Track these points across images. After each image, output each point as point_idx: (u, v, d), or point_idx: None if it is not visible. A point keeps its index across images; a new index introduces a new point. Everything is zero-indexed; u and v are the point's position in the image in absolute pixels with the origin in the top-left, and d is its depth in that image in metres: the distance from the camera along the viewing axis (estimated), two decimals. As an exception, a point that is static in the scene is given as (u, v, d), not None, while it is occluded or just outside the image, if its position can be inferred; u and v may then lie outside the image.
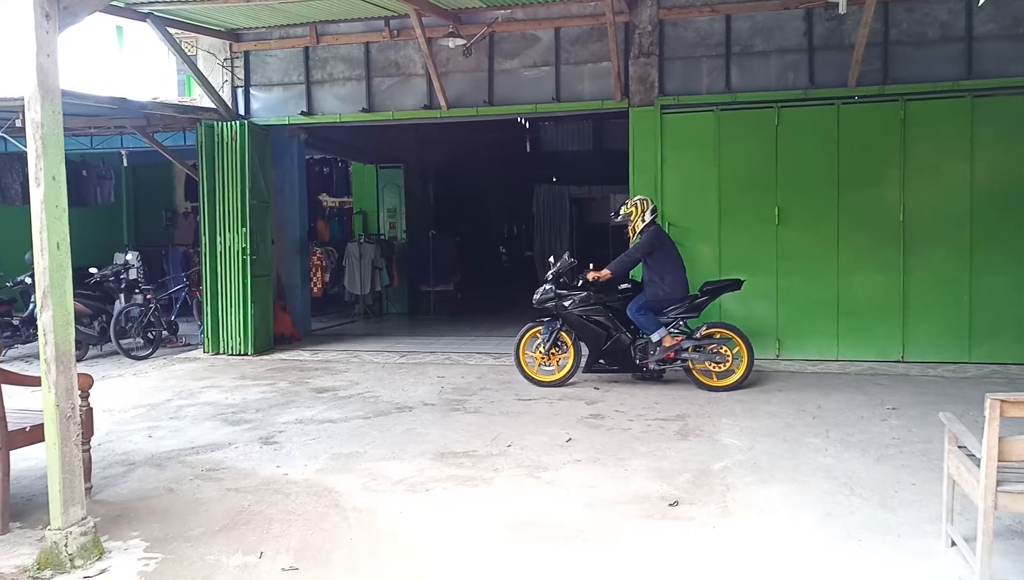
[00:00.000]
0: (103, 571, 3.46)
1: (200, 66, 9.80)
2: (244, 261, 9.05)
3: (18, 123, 7.87)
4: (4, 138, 8.15)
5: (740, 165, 8.39)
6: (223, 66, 9.95)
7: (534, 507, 4.20)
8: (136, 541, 3.78)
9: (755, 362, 6.90)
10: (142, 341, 9.15)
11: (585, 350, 7.17)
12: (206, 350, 9.23)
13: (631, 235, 7.09)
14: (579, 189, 17.78)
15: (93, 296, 9.35)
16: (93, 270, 9.68)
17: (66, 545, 3.47)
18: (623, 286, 7.07)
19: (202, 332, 9.44)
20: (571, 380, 7.17)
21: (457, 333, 10.84)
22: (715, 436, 5.47)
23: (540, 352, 7.10)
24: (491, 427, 5.82)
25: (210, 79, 9.73)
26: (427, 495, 4.39)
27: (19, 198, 11.26)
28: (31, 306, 9.06)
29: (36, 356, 7.84)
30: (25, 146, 6.56)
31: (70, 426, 3.60)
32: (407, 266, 13.26)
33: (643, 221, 6.94)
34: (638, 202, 7.02)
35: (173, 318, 9.94)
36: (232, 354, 9.08)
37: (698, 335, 6.85)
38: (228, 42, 9.91)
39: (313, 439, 5.54)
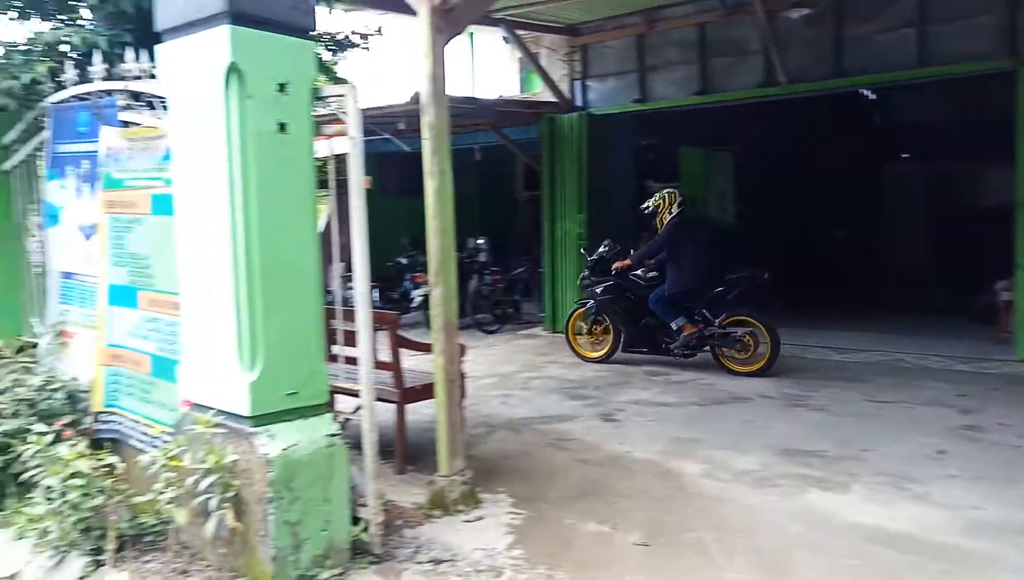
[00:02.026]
0: (479, 518, 3.91)
1: (542, 63, 10.50)
2: (581, 246, 9.53)
3: (400, 126, 9.21)
4: (390, 139, 9.60)
5: None
6: (563, 61, 10.54)
7: (901, 522, 3.78)
8: (503, 496, 4.21)
9: None
10: (491, 317, 10.17)
11: None
12: (546, 328, 9.94)
13: (658, 226, 7.37)
14: (938, 166, 15.47)
15: (452, 276, 10.62)
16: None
17: (451, 491, 4.00)
18: (651, 274, 7.50)
19: (542, 311, 10.17)
20: (612, 358, 7.74)
21: (791, 324, 10.16)
22: None
23: (586, 330, 7.87)
24: (840, 428, 5.38)
25: (551, 74, 10.37)
26: (775, 491, 4.20)
27: (395, 191, 13.18)
28: (405, 283, 10.60)
29: (411, 326, 9.17)
30: (406, 146, 7.57)
31: (454, 389, 4.12)
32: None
33: (669, 214, 7.25)
34: (666, 195, 7.34)
35: (517, 297, 10.87)
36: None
37: (717, 323, 7.04)
38: (567, 38, 10.46)
39: (651, 421, 5.65)
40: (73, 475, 3.46)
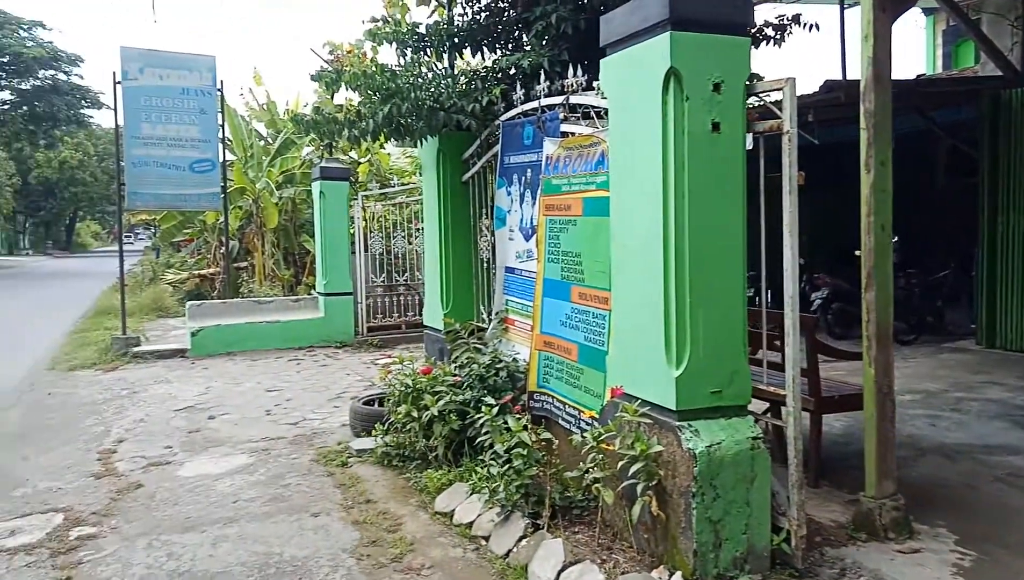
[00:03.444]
0: (915, 550, 3.48)
1: (984, 31, 8.95)
2: (1031, 245, 7.93)
3: (808, 117, 8.67)
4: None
5: None
6: (1013, 26, 8.86)
7: None
8: (943, 531, 3.68)
9: None
10: (905, 325, 9.02)
11: None
12: (978, 342, 8.48)
13: None
14: None
15: (845, 275, 9.64)
16: (859, 253, 10.00)
17: (879, 515, 3.62)
18: None
19: (974, 322, 8.71)
20: None
21: None
22: None
23: None
24: None
25: (996, 44, 8.78)
26: None
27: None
28: (803, 284, 9.97)
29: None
30: (814, 139, 7.12)
31: (886, 403, 3.73)
32: None
33: None
34: None
35: (939, 304, 9.48)
36: (1010, 349, 8.08)
37: None
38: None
39: None
40: (517, 445, 3.95)
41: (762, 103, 3.64)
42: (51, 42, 35.86)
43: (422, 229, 11.75)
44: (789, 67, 14.00)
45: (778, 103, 3.34)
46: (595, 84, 4.18)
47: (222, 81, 10.61)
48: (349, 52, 5.83)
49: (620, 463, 3.40)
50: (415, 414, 4.98)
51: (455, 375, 5.08)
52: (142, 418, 6.76)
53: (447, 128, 5.55)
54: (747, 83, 3.34)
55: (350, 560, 3.76)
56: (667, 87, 3.24)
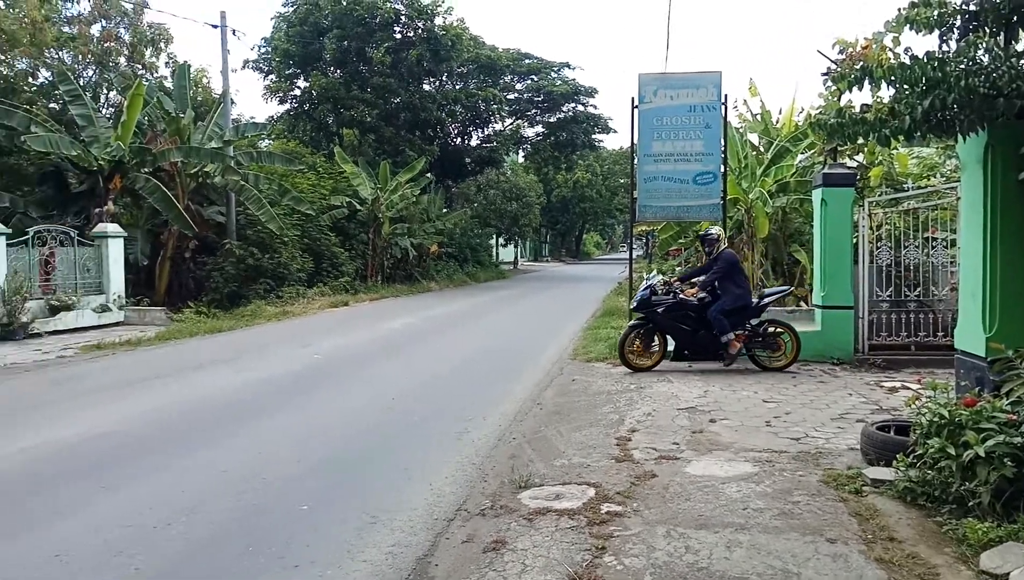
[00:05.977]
0: None
1: None
2: None
3: None
4: None
5: None
6: None
7: None
8: None
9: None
10: None
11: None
12: None
13: (708, 253, 9.70)
14: None
15: None
16: None
17: None
18: (701, 295, 9.37)
19: None
20: (658, 367, 9.47)
21: None
22: None
23: (638, 345, 9.54)
24: None
25: None
26: None
27: None
28: None
29: None
30: None
31: None
32: None
33: (721, 246, 9.53)
34: (723, 233, 9.90)
35: None
36: None
37: (760, 330, 9.39)
38: None
39: None
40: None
41: None
42: (574, 79, 41.90)
43: (938, 238, 10.31)
44: None
45: None
46: None
47: (725, 95, 10.93)
48: (866, 48, 5.35)
49: None
50: (951, 451, 4.31)
51: (1008, 412, 4.25)
52: (649, 412, 7.32)
53: (1004, 117, 4.68)
54: None
55: (878, 601, 3.43)
56: None
